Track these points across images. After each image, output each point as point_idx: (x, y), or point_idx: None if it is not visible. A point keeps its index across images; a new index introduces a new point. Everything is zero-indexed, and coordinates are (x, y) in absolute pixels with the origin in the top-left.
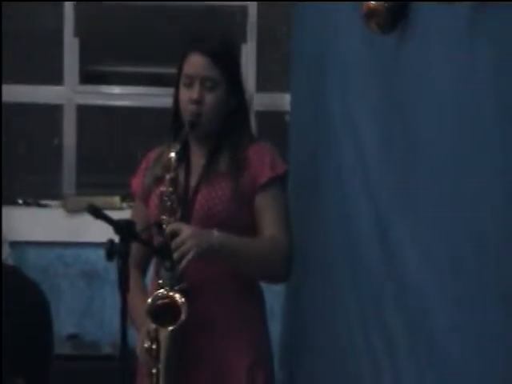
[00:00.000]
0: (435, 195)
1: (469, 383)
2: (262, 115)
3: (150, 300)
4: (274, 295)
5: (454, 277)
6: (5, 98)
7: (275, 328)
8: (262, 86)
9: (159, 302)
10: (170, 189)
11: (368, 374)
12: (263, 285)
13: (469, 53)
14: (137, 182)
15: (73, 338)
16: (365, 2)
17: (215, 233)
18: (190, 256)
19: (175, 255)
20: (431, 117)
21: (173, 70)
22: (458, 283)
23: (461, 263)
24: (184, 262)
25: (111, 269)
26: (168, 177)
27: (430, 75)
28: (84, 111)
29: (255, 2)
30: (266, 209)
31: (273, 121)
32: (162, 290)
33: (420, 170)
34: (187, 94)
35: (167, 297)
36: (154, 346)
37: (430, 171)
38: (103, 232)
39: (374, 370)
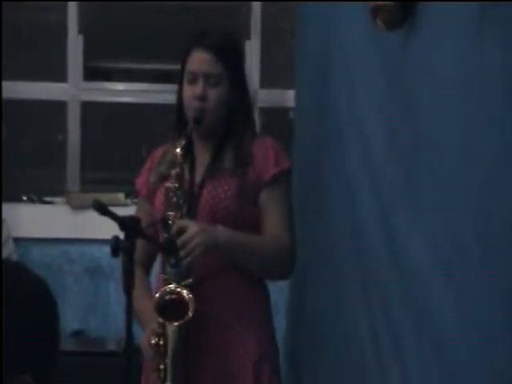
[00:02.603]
0: (439, 184)
1: (475, 377)
2: (266, 111)
3: (157, 295)
4: (278, 290)
5: (458, 266)
6: (9, 95)
7: (280, 323)
8: (266, 83)
9: (167, 297)
10: (176, 184)
11: (374, 366)
12: (267, 280)
13: (478, 48)
14: (141, 181)
15: (77, 334)
16: None
17: (221, 229)
18: (196, 253)
19: (182, 252)
20: (437, 110)
21: (177, 67)
22: (462, 272)
23: (465, 252)
24: (189, 258)
25: (116, 265)
26: (174, 172)
27: (436, 69)
28: (88, 108)
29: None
30: (270, 205)
31: (277, 117)
32: (169, 286)
33: (425, 161)
34: (191, 91)
35: (175, 292)
36: (161, 342)
37: (435, 162)
38: (107, 229)
39: (379, 361)
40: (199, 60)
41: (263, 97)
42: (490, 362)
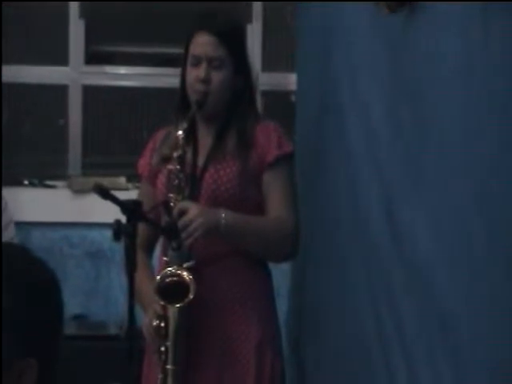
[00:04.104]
0: (444, 171)
1: (481, 361)
2: (268, 95)
3: (158, 278)
4: (280, 275)
5: (463, 253)
6: (10, 79)
7: (282, 307)
8: (267, 66)
9: (168, 279)
10: (178, 167)
11: (377, 351)
12: (270, 264)
13: (482, 29)
14: (144, 163)
15: (79, 318)
16: None
17: (222, 211)
18: (196, 234)
19: (183, 234)
20: (440, 94)
21: (179, 50)
22: (468, 259)
23: (471, 239)
24: (190, 240)
25: (117, 249)
26: (175, 155)
27: (440, 52)
28: (89, 92)
29: None
30: (273, 187)
31: (279, 100)
32: (170, 268)
33: (429, 146)
34: (194, 74)
35: (176, 275)
36: (162, 324)
37: (440, 147)
38: (109, 212)
39: (383, 347)
40: (203, 43)
41: (265, 80)
42: (495, 346)
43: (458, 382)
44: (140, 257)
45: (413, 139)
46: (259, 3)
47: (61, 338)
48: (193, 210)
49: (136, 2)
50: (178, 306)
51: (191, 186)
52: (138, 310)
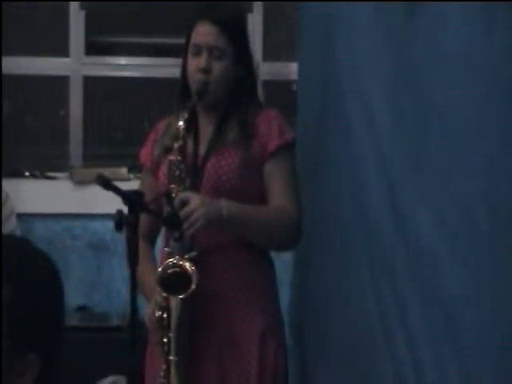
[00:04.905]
0: (447, 158)
1: (485, 349)
2: (269, 84)
3: (160, 269)
4: (283, 265)
5: (467, 239)
6: (11, 71)
7: (284, 297)
8: (268, 56)
9: (170, 270)
10: (179, 157)
11: (381, 339)
12: (272, 254)
13: (485, 21)
14: (145, 154)
15: (81, 309)
16: None
17: (224, 202)
18: (198, 225)
19: (184, 225)
20: (443, 83)
21: (179, 41)
22: (471, 246)
23: (474, 225)
24: (192, 230)
25: (119, 240)
26: (176, 145)
27: (443, 42)
28: (90, 82)
29: None
30: (275, 176)
31: (280, 90)
32: (172, 259)
33: (431, 135)
34: (195, 63)
35: (178, 265)
36: (164, 315)
37: (442, 135)
38: (110, 204)
39: (387, 335)
40: (204, 33)
41: (266, 70)
42: (500, 334)
43: (461, 369)
44: (142, 247)
45: (415, 128)
46: None
47: (63, 331)
48: (194, 200)
49: None
50: (180, 297)
51: (192, 176)
52: (140, 300)
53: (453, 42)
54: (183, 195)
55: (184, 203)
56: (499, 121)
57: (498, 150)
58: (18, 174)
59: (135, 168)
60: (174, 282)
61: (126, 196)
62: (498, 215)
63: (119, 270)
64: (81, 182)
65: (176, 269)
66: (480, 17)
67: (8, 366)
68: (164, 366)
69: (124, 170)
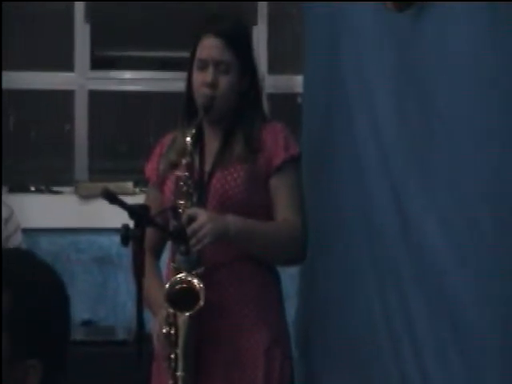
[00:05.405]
0: (451, 161)
1: (493, 354)
2: (274, 97)
3: (168, 285)
4: (289, 278)
5: (472, 245)
6: (16, 85)
7: (290, 310)
8: (273, 68)
9: (177, 286)
10: (186, 173)
11: (387, 348)
12: (278, 268)
13: (491, 27)
14: (151, 168)
15: (87, 323)
16: None
17: (231, 217)
18: (206, 241)
19: (192, 241)
20: (449, 89)
21: (184, 54)
22: (475, 249)
23: (478, 227)
24: (199, 246)
25: (125, 254)
26: (184, 162)
27: (447, 44)
28: (95, 97)
29: None
30: (281, 191)
31: (285, 103)
32: (180, 275)
33: (437, 140)
34: (201, 77)
35: (186, 281)
36: (172, 331)
37: (448, 140)
38: (116, 218)
39: (393, 342)
40: (210, 47)
41: (271, 83)
42: (508, 341)
43: (468, 376)
44: (148, 261)
45: (419, 130)
46: (264, 5)
47: (67, 342)
48: (202, 216)
49: (141, 5)
50: (187, 314)
51: (198, 191)
52: (146, 314)
53: (457, 43)
54: (191, 211)
55: (191, 219)
56: (504, 123)
57: (504, 158)
58: (23, 188)
59: (141, 182)
60: (181, 297)
61: (132, 210)
62: (505, 221)
63: (125, 284)
64: (86, 197)
65: (184, 285)
66: (484, 18)
67: (8, 371)
68: (171, 382)
69: (130, 184)
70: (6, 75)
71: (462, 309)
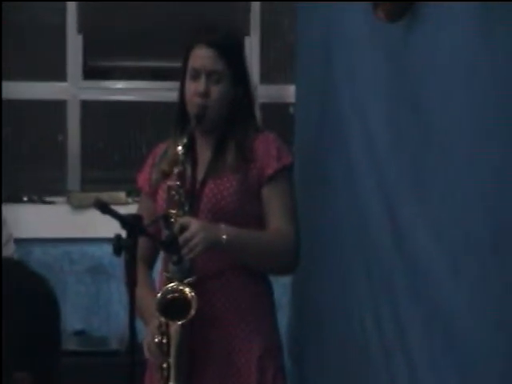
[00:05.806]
0: (445, 170)
1: (487, 369)
2: (267, 107)
3: (159, 294)
4: (281, 287)
5: (466, 254)
6: (8, 95)
7: (283, 320)
8: (265, 78)
9: (169, 295)
10: (178, 183)
11: (379, 358)
12: (271, 277)
13: (482, 37)
14: (143, 178)
15: (79, 334)
16: None
17: (223, 226)
18: (198, 250)
19: (184, 250)
20: (442, 100)
21: (176, 64)
22: (471, 261)
23: (473, 240)
24: (191, 255)
25: (117, 264)
26: (176, 171)
27: (441, 56)
28: (88, 107)
29: None
30: (273, 200)
31: (277, 113)
32: (172, 284)
33: (431, 149)
34: (193, 87)
35: (177, 291)
36: (164, 341)
37: (442, 150)
38: (108, 228)
39: (385, 354)
40: (202, 56)
41: (263, 92)
42: (502, 353)
43: None
44: (141, 271)
45: (414, 144)
46: (257, 16)
47: (58, 353)
48: (194, 225)
49: (133, 16)
50: (179, 322)
51: (190, 200)
52: (138, 324)
53: (450, 52)
54: (183, 220)
55: (183, 228)
56: (499, 133)
57: (500, 169)
58: (15, 198)
59: (133, 192)
60: (173, 307)
61: (125, 220)
62: (500, 232)
63: (117, 294)
64: (79, 207)
65: (175, 294)
66: (478, 23)
67: None
68: None
69: (122, 194)
70: None
71: (455, 318)
